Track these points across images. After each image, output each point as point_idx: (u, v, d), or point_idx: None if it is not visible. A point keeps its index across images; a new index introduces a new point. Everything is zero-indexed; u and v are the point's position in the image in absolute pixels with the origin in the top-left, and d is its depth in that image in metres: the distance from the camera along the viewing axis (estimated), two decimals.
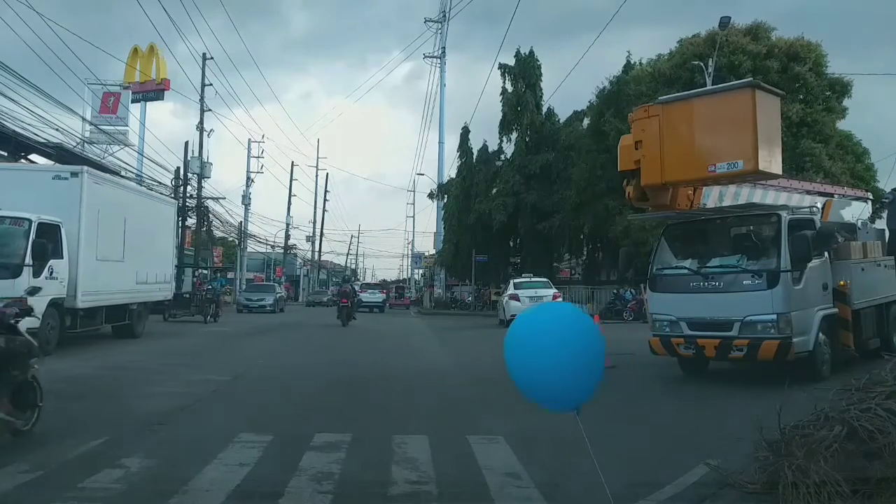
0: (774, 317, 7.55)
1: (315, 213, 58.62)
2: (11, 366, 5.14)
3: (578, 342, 3.19)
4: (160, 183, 31.00)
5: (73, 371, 9.41)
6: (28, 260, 10.67)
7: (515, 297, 21.10)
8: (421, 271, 62.83)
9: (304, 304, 48.24)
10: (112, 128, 34.21)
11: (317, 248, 60.74)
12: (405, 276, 75.12)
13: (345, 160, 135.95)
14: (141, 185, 23.15)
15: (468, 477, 4.39)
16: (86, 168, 12.68)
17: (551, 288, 21.92)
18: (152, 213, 16.02)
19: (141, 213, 14.97)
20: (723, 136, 7.69)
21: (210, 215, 34.43)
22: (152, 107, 44.48)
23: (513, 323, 3.45)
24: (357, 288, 33.13)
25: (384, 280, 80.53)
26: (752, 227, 8.66)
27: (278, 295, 33.32)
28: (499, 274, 36.03)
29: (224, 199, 41.08)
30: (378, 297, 35.53)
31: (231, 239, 46.64)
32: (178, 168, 31.20)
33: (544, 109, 33.97)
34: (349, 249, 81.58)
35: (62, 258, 11.44)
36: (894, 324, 9.48)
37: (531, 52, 34.04)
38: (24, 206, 11.17)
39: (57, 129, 20.86)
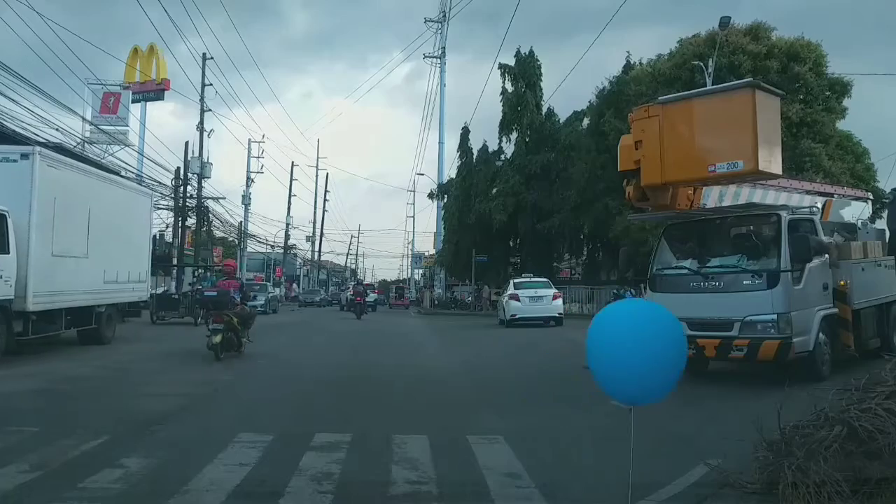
0: (774, 317, 7.54)
1: (315, 213, 58.78)
2: (251, 320, 11.81)
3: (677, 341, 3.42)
4: (160, 183, 31.08)
5: (73, 371, 9.43)
6: None
7: (515, 297, 21.09)
8: (421, 271, 62.80)
9: (296, 305, 47.66)
10: (112, 128, 34.21)
11: (317, 248, 60.85)
12: (405, 277, 75.21)
13: (345, 160, 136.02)
14: (141, 184, 23.02)
15: (468, 477, 4.39)
16: (38, 148, 11.05)
17: (551, 288, 21.89)
18: (124, 204, 14.15)
19: (109, 202, 13.24)
20: (723, 136, 7.69)
21: (210, 215, 34.44)
22: (152, 107, 44.53)
23: (611, 311, 3.66)
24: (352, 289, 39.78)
25: (384, 280, 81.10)
26: (752, 227, 8.65)
27: (270, 294, 32.33)
28: (499, 274, 35.99)
29: (224, 199, 41.12)
30: (371, 296, 39.01)
31: (231, 239, 46.64)
32: (179, 168, 31.23)
33: (544, 109, 33.94)
34: (349, 249, 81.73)
35: (8, 253, 10.02)
36: (894, 324, 9.48)
37: (531, 52, 34.03)
38: None
39: (57, 129, 20.85)
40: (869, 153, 24.62)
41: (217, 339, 10.57)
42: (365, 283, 45.01)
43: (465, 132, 36.59)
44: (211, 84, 33.37)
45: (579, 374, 9.69)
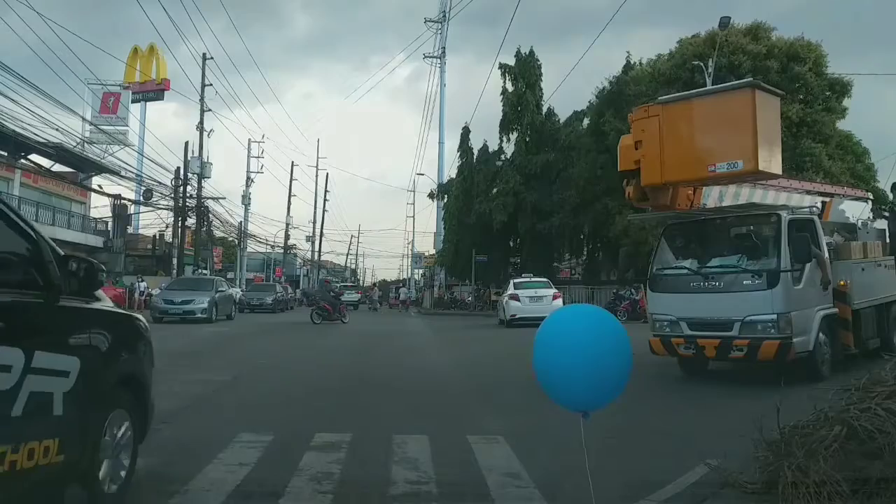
0: (774, 317, 7.54)
1: (315, 213, 58.72)
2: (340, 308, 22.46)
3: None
4: (161, 183, 31.12)
5: None
6: None
7: (515, 297, 21.08)
8: (421, 271, 62.79)
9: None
10: (112, 128, 34.30)
11: (317, 248, 60.84)
12: (405, 277, 75.21)
13: (345, 160, 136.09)
14: (141, 185, 22.95)
15: (468, 477, 4.38)
16: None
17: (551, 288, 21.88)
18: None
19: None
20: (723, 136, 7.69)
21: (210, 215, 34.45)
22: (152, 107, 44.72)
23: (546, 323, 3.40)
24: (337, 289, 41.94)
25: (384, 280, 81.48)
26: (752, 227, 8.64)
27: (219, 294, 22.36)
28: (499, 274, 36.00)
29: (224, 199, 41.20)
30: (354, 296, 43.58)
31: (231, 239, 46.67)
32: (179, 168, 31.23)
33: (544, 109, 33.94)
34: (349, 249, 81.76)
35: None
36: (894, 324, 9.48)
37: (531, 52, 34.02)
38: None
39: (57, 129, 20.94)
40: (869, 153, 24.73)
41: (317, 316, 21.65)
42: (336, 283, 45.84)
43: (466, 132, 36.60)
44: (211, 84, 33.43)
45: None
